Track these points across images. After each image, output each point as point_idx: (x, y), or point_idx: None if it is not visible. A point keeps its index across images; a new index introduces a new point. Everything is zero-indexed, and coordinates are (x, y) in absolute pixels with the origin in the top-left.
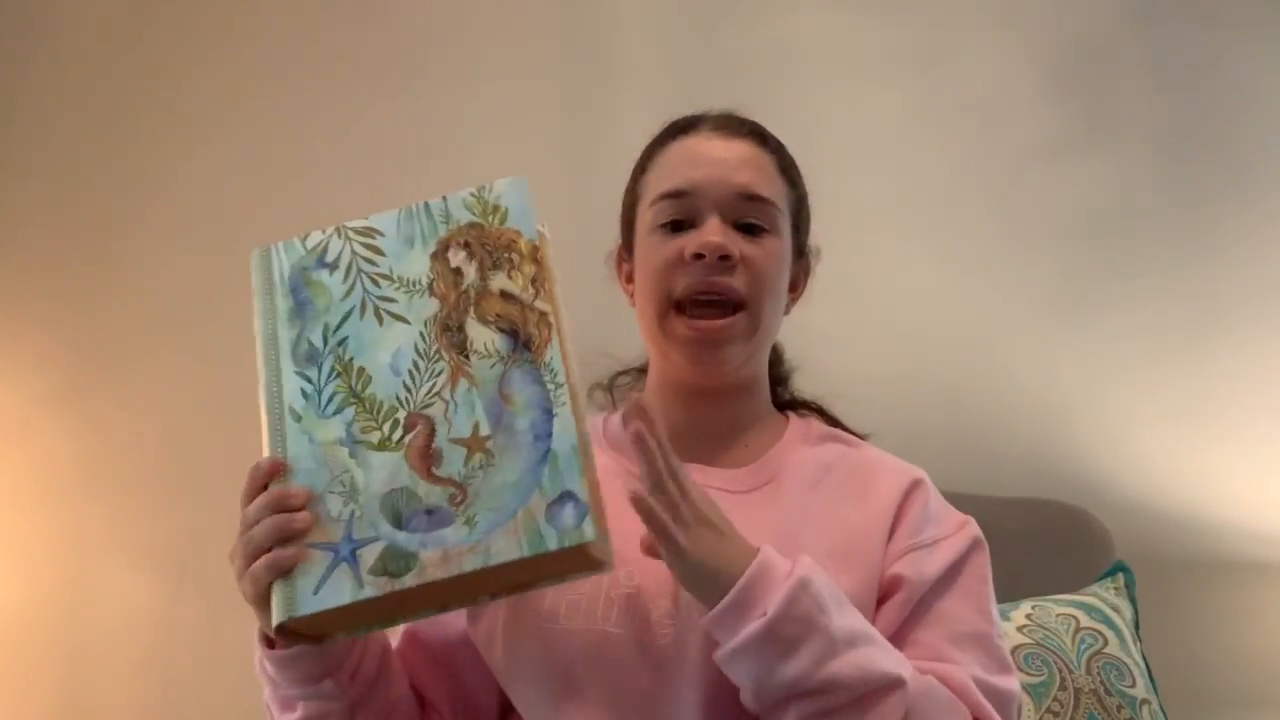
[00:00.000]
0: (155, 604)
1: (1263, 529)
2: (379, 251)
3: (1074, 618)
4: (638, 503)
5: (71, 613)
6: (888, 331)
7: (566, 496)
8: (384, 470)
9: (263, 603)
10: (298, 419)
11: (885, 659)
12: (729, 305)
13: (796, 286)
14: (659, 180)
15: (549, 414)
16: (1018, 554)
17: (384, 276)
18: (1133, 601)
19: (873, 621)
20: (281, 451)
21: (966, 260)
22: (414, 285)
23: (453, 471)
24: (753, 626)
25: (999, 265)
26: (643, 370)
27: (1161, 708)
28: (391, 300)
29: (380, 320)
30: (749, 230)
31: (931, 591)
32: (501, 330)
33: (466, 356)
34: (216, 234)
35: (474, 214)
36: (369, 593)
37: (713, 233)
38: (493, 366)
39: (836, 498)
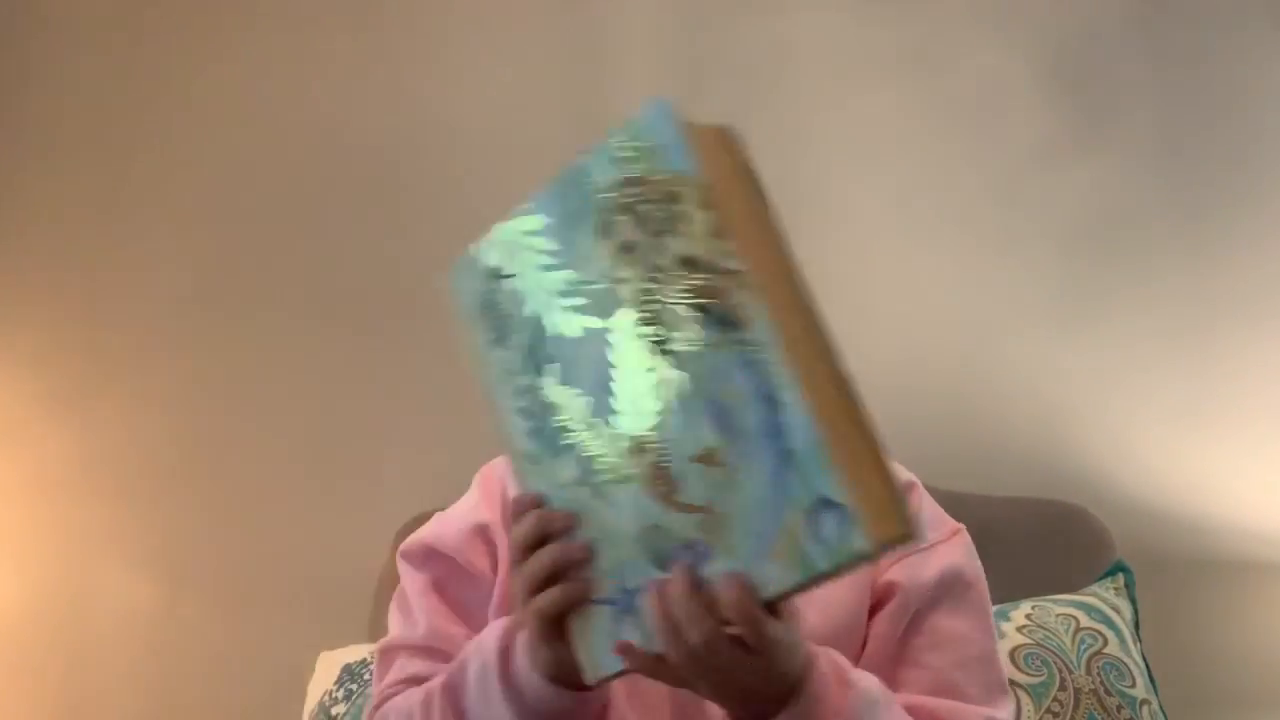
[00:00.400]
0: (155, 604)
1: (1263, 529)
2: (548, 252)
3: (1074, 618)
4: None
5: (71, 613)
6: (887, 331)
7: (823, 504)
8: (629, 506)
9: (548, 634)
10: (535, 462)
11: None
12: None
13: None
14: None
15: (773, 402)
16: (1018, 554)
17: (565, 279)
18: (1133, 601)
19: (866, 631)
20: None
21: (966, 260)
22: (594, 280)
23: (695, 496)
24: None
25: (999, 265)
26: None
27: (1161, 708)
28: (578, 305)
29: (574, 331)
30: None
31: (930, 604)
32: (697, 309)
33: (671, 353)
34: (217, 234)
35: (626, 162)
36: (658, 646)
37: None
38: (701, 359)
39: None
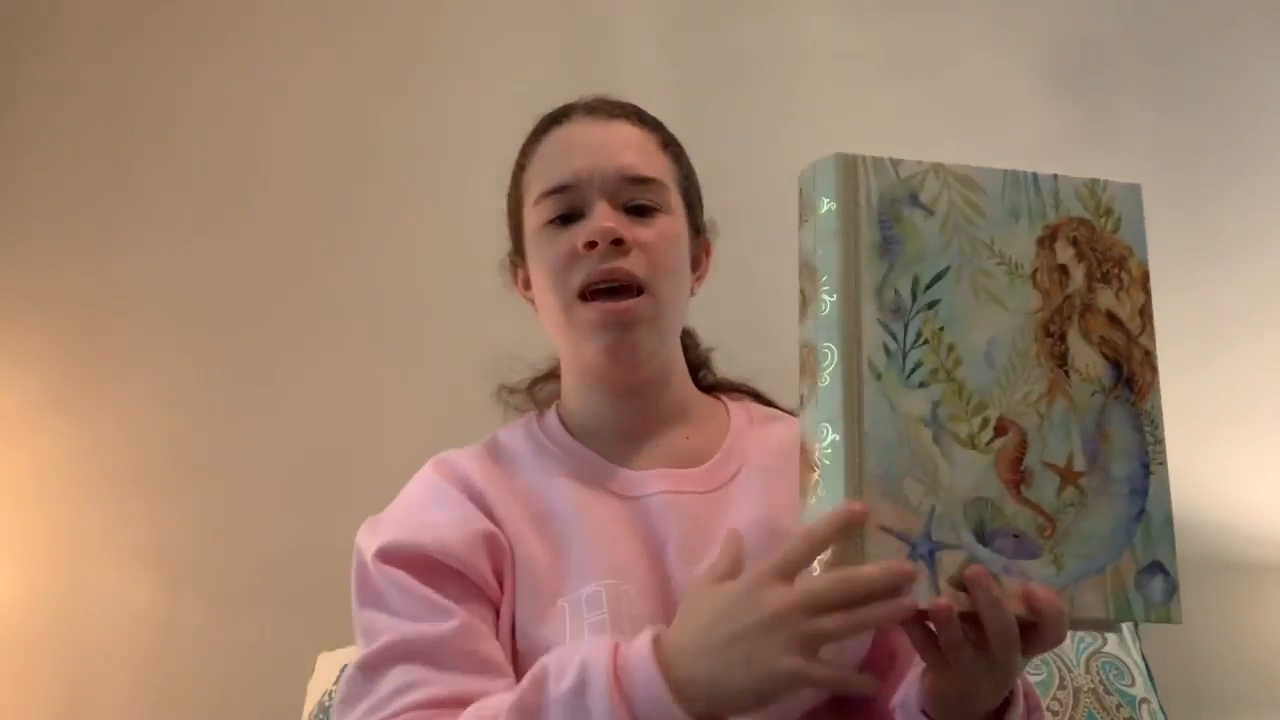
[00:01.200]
0: (155, 604)
1: (1263, 529)
2: (980, 212)
3: None
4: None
5: (71, 613)
6: None
7: (1157, 567)
8: (970, 472)
9: (773, 678)
10: (878, 376)
11: None
12: (630, 289)
13: (699, 265)
14: (538, 177)
15: (1146, 469)
16: None
17: (985, 245)
18: None
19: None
20: (855, 409)
21: None
22: (1017, 268)
23: (1043, 499)
24: None
25: None
26: (553, 375)
27: (1161, 707)
28: (991, 276)
29: (977, 295)
30: (639, 212)
31: None
32: (1105, 356)
33: (1067, 373)
34: (217, 235)
35: (1085, 208)
36: (941, 602)
37: (603, 218)
38: (1093, 394)
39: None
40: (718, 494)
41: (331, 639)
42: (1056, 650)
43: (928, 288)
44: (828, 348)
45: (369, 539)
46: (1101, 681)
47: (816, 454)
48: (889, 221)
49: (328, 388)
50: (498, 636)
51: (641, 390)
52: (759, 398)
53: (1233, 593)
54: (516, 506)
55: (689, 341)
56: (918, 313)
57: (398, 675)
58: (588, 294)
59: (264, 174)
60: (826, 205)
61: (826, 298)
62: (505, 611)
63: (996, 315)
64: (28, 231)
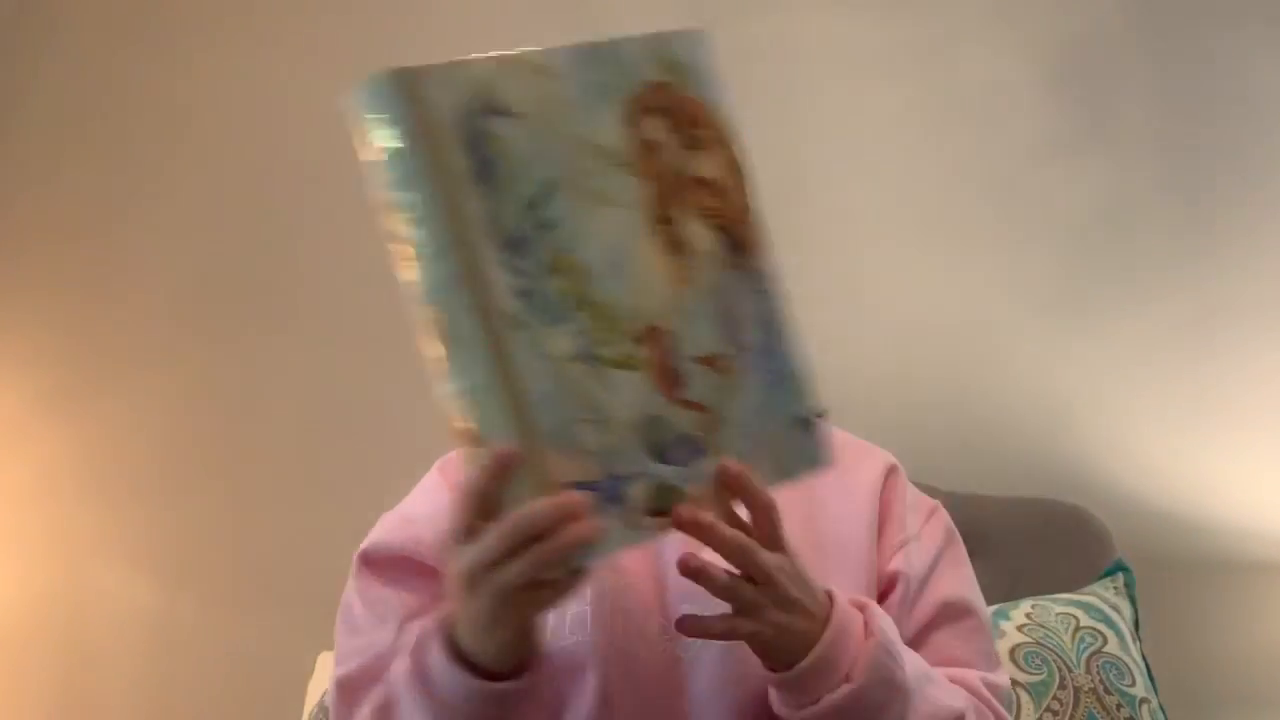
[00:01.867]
0: (155, 604)
1: (1263, 529)
2: (564, 103)
3: (1074, 617)
4: (711, 583)
5: (70, 613)
6: (887, 331)
7: (803, 421)
8: (630, 393)
9: (510, 627)
10: (522, 327)
11: (945, 695)
12: None
13: None
14: None
15: (775, 329)
16: (1018, 554)
17: (578, 141)
18: (1132, 601)
19: None
20: (510, 369)
21: (966, 259)
22: (612, 156)
23: (698, 395)
24: (834, 696)
25: (999, 265)
26: None
27: (1161, 707)
28: (592, 174)
29: (585, 199)
30: None
31: (926, 585)
32: (713, 227)
33: (686, 257)
34: (217, 235)
35: (659, 70)
36: (647, 536)
37: None
38: (712, 271)
39: (813, 483)
40: None
41: (331, 639)
42: (1057, 650)
43: (536, 207)
44: (452, 306)
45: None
46: (1102, 681)
47: (476, 430)
48: (478, 141)
49: (328, 388)
50: None
51: None
52: None
53: (1233, 593)
54: None
55: None
56: (537, 240)
57: (375, 697)
58: None
59: (265, 174)
60: (397, 138)
61: (431, 248)
62: None
63: (611, 219)
64: (27, 231)
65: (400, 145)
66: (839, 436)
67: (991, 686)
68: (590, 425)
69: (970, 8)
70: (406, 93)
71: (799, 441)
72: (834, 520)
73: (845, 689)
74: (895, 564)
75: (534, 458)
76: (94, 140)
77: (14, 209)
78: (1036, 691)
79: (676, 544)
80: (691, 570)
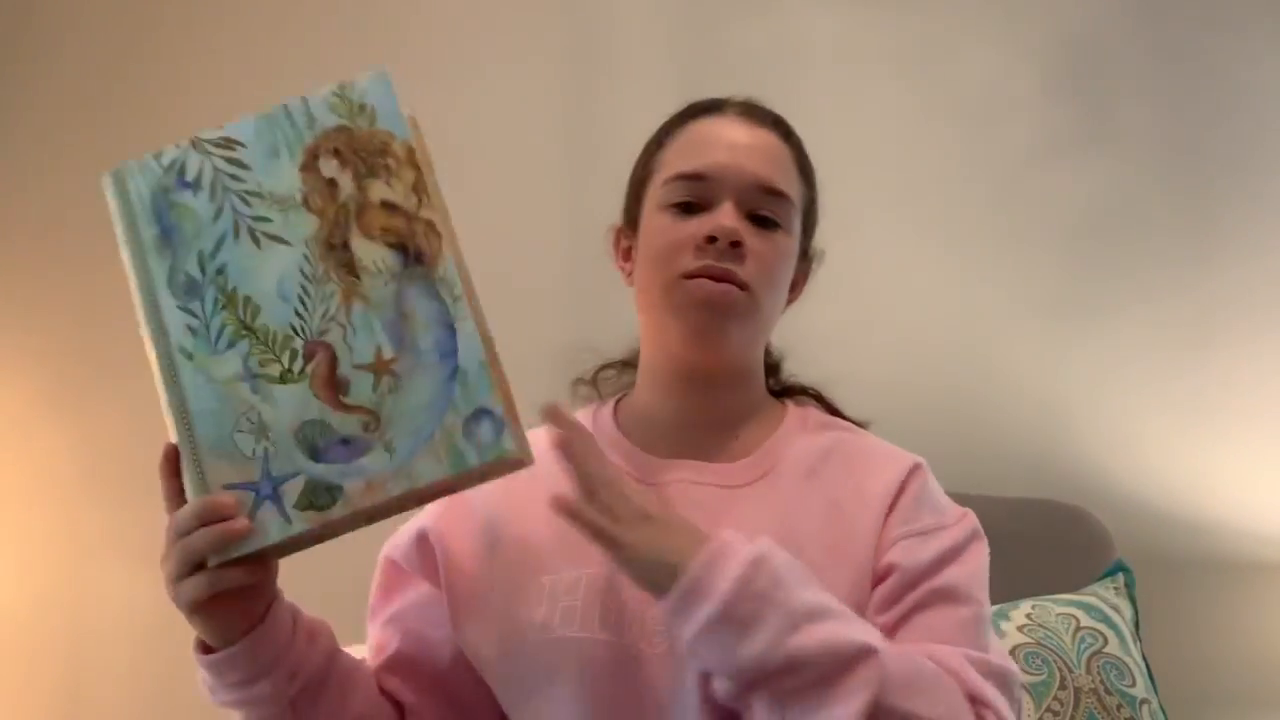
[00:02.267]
0: (155, 604)
1: (1263, 529)
2: (242, 165)
3: (1074, 617)
4: (563, 508)
5: (71, 613)
6: (887, 331)
7: (481, 413)
8: (291, 403)
9: (200, 609)
10: (189, 357)
11: (853, 630)
12: (734, 284)
13: (796, 287)
14: (676, 159)
15: (451, 330)
16: (1018, 554)
17: (253, 194)
18: (1133, 601)
19: (864, 610)
20: (178, 394)
21: (966, 260)
22: (287, 201)
23: (362, 398)
24: (707, 610)
25: (999, 265)
26: (628, 363)
27: (1161, 707)
28: (266, 220)
29: (258, 243)
30: (762, 223)
31: (923, 576)
32: (389, 245)
33: (357, 276)
34: None
35: (340, 116)
36: (298, 528)
37: (727, 217)
38: (386, 285)
39: (833, 486)
40: (737, 490)
41: None
42: (1057, 651)
43: (213, 257)
44: (150, 350)
45: None
46: (1102, 682)
47: (173, 440)
48: (163, 212)
49: None
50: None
51: (713, 382)
52: (823, 402)
53: (1233, 593)
54: (519, 492)
55: (767, 350)
56: (210, 283)
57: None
58: (695, 275)
59: None
60: (115, 221)
61: (137, 306)
62: (448, 607)
63: (280, 254)
64: (27, 231)
65: (117, 226)
66: (871, 441)
67: (979, 663)
68: (249, 435)
69: (970, 8)
70: (118, 185)
71: (481, 433)
72: (845, 520)
73: (716, 602)
74: (893, 555)
75: (193, 465)
76: (94, 140)
77: (14, 209)
78: (1037, 692)
79: None
80: (560, 508)
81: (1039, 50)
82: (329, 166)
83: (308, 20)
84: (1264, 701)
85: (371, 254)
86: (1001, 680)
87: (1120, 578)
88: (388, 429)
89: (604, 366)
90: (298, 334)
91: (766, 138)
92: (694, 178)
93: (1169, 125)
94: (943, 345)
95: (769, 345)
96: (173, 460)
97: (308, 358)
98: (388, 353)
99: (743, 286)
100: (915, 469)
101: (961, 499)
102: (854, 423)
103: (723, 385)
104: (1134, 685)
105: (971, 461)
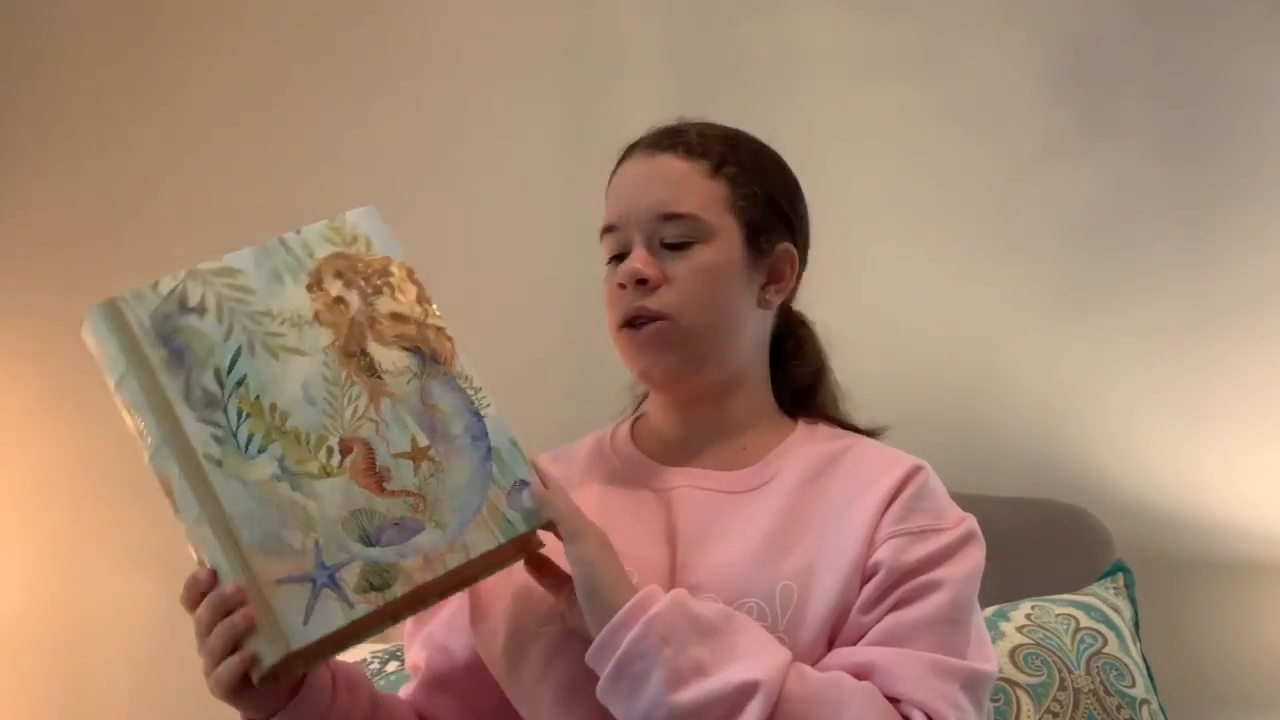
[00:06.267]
0: (155, 604)
1: (1263, 529)
2: (246, 290)
3: (1074, 618)
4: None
5: (71, 613)
6: (887, 331)
7: (520, 484)
8: (335, 495)
9: (235, 694)
10: (219, 464)
11: (740, 670)
12: (653, 320)
13: (781, 277)
14: (605, 213)
15: (477, 415)
16: (1017, 554)
17: (262, 314)
18: (1132, 601)
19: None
20: (213, 502)
21: (966, 260)
22: (298, 318)
23: (406, 483)
24: (606, 668)
25: (999, 265)
26: None
27: (1161, 708)
28: (279, 335)
29: (275, 356)
30: (674, 247)
31: (906, 576)
32: (405, 349)
33: (380, 377)
34: (217, 233)
35: (335, 245)
36: (361, 610)
37: (633, 260)
38: (409, 382)
39: (834, 490)
40: (739, 496)
41: None
42: (1057, 651)
43: (230, 371)
44: (169, 468)
45: None
46: (1102, 683)
47: (202, 558)
48: (169, 335)
49: None
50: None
51: (700, 401)
52: (832, 420)
53: (1233, 593)
54: None
55: (778, 358)
56: (231, 395)
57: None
58: (624, 326)
59: (265, 173)
60: (111, 350)
61: (147, 428)
62: (469, 611)
63: (300, 363)
64: (28, 231)
65: (114, 353)
66: (875, 448)
67: (938, 665)
68: (297, 529)
69: (970, 8)
70: (113, 316)
71: (523, 500)
72: (842, 524)
73: (611, 661)
74: (880, 554)
75: (241, 567)
76: (94, 140)
77: (14, 208)
78: (1037, 693)
79: (685, 541)
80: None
81: (1039, 50)
82: (334, 286)
83: (310, 26)
84: (1264, 701)
85: (390, 357)
86: (966, 680)
87: (1120, 578)
88: (436, 508)
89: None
90: (331, 432)
91: (664, 164)
92: (609, 230)
93: (1169, 125)
94: (943, 345)
95: (804, 360)
96: (210, 584)
97: (344, 452)
98: (422, 440)
99: (661, 317)
100: (915, 470)
101: (961, 499)
102: (865, 432)
103: (714, 400)
104: (1134, 686)
105: (971, 461)
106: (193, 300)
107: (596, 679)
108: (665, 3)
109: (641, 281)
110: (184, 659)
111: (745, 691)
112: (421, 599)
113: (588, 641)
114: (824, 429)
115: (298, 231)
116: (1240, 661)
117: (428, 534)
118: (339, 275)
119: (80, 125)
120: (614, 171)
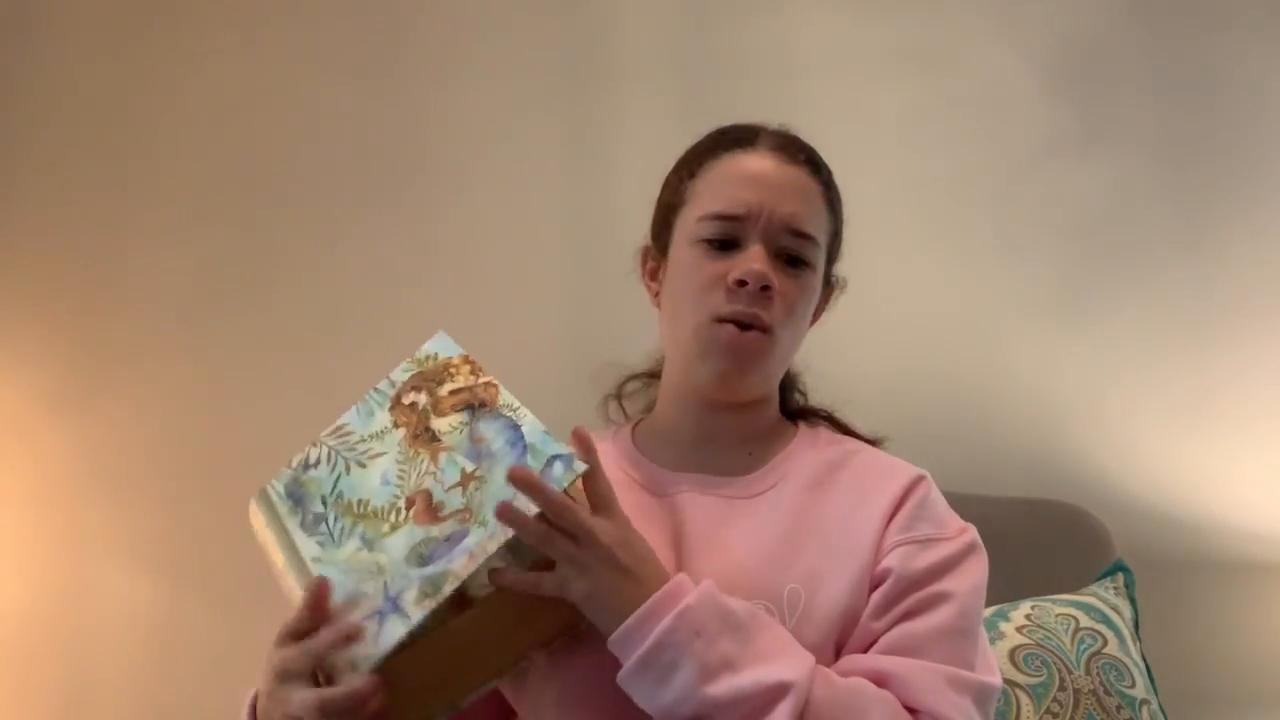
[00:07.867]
0: (155, 604)
1: (1263, 529)
2: (349, 433)
3: (1073, 618)
4: (509, 516)
5: (71, 613)
6: (888, 331)
7: (554, 458)
8: (401, 541)
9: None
10: (318, 560)
11: (772, 670)
12: (759, 328)
13: (817, 314)
14: (708, 194)
15: (516, 427)
16: (1017, 554)
17: (358, 441)
18: (1132, 601)
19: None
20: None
21: (966, 260)
22: (382, 432)
23: (456, 505)
24: (632, 658)
25: (999, 265)
26: (654, 375)
27: (1161, 708)
28: (368, 449)
29: (364, 465)
30: (791, 263)
31: (916, 585)
32: (459, 409)
33: (439, 440)
34: (217, 234)
35: (411, 368)
36: (419, 616)
37: (757, 260)
38: (461, 431)
39: (837, 497)
40: (743, 502)
41: None
42: (1057, 652)
43: (332, 492)
44: (287, 583)
45: None
46: (1102, 683)
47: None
48: (294, 490)
49: (327, 387)
50: None
51: (732, 409)
52: (835, 423)
53: (1233, 593)
54: None
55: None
56: (331, 508)
57: None
58: (727, 321)
59: (265, 173)
60: (261, 521)
61: (287, 570)
62: None
63: (381, 460)
64: (28, 231)
65: (262, 524)
66: (877, 456)
67: (951, 678)
68: (371, 579)
69: (971, 8)
70: (263, 501)
71: (556, 470)
72: (847, 529)
73: (640, 649)
74: (889, 561)
75: (329, 619)
76: (95, 140)
77: (15, 209)
78: (1036, 693)
79: (689, 544)
80: (519, 478)
81: (1039, 50)
82: (409, 396)
83: (309, 22)
84: (1264, 701)
85: (448, 422)
86: (977, 694)
87: (1120, 578)
88: (479, 512)
89: (628, 379)
90: (400, 496)
91: (798, 175)
92: (728, 219)
93: (1169, 125)
94: (943, 345)
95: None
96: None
97: (409, 506)
98: (470, 468)
99: (767, 329)
100: (918, 480)
101: (962, 499)
102: (865, 439)
103: (741, 411)
104: (1134, 686)
105: (972, 461)
106: (313, 459)
107: (603, 678)
108: (665, 3)
109: (765, 288)
110: (183, 658)
111: (778, 692)
112: (498, 662)
113: (595, 640)
114: (825, 434)
115: (388, 377)
116: (1240, 661)
117: (472, 535)
118: (414, 388)
119: (80, 125)
120: (720, 153)
